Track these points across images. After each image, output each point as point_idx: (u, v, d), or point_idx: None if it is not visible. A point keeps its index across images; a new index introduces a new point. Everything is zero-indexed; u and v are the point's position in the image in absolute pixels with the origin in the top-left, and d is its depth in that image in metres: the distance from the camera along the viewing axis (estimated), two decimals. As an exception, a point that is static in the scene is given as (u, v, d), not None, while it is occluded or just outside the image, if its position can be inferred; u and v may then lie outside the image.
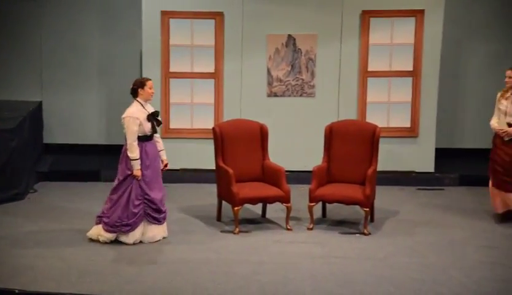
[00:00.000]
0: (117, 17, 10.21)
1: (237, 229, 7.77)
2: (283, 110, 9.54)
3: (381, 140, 8.03)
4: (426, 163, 9.57)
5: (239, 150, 8.03)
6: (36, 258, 6.99)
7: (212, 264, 6.95)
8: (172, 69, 9.53)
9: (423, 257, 7.15)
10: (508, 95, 7.79)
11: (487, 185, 9.47)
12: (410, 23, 9.37)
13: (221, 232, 7.83)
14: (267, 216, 8.23)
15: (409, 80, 9.46)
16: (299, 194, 8.44)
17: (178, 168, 9.64)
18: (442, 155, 9.71)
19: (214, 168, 8.12)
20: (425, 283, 6.56)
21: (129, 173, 7.29)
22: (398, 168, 9.57)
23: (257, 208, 8.24)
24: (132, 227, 7.31)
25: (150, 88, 7.31)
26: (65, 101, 10.36)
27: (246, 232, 7.81)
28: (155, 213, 7.37)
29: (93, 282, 6.49)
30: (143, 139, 7.29)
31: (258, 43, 9.46)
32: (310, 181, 7.94)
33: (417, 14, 9.34)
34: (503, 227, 7.94)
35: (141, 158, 7.27)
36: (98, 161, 9.99)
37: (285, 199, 7.82)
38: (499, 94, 7.93)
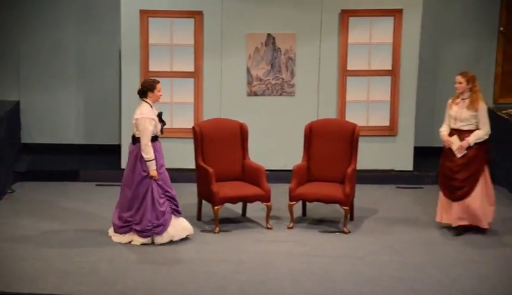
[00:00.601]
0: (96, 16, 10.14)
1: (217, 228, 7.76)
2: (263, 109, 9.54)
3: (360, 139, 8.07)
4: (405, 162, 9.62)
5: (219, 149, 8.02)
6: (14, 259, 6.93)
7: (192, 264, 6.94)
8: (151, 68, 9.48)
9: (402, 255, 7.20)
10: (458, 101, 7.60)
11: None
12: (388, 23, 9.42)
13: (202, 231, 7.82)
14: (248, 215, 8.24)
15: (388, 79, 9.51)
16: (279, 193, 8.45)
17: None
18: (421, 153, 9.76)
19: (194, 167, 8.11)
20: (404, 281, 6.61)
21: (145, 174, 7.25)
22: (377, 166, 9.61)
23: (237, 207, 8.24)
24: (164, 226, 7.31)
25: (159, 91, 7.34)
26: (43, 100, 10.26)
27: (226, 231, 7.81)
28: (176, 207, 7.42)
29: (71, 282, 6.45)
30: (154, 139, 7.31)
31: (238, 42, 9.45)
32: (290, 180, 7.95)
33: (396, 13, 9.39)
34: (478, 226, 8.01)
35: (155, 158, 7.28)
36: (77, 161, 9.92)
37: (265, 198, 7.83)
38: (450, 101, 7.69)
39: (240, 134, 8.12)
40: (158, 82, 7.39)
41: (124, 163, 9.57)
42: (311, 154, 8.12)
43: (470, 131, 7.51)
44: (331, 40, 9.45)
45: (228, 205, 8.02)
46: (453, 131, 7.59)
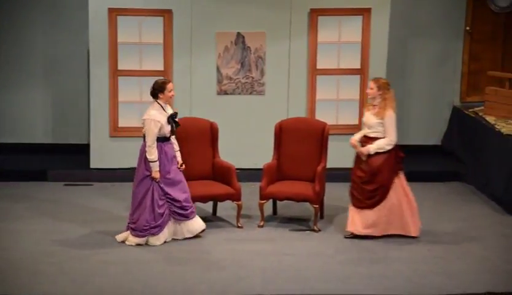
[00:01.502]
0: (63, 14, 10.03)
1: (187, 227, 7.75)
2: (233, 108, 9.54)
3: (330, 137, 8.12)
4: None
5: (189, 148, 8.00)
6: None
7: (162, 263, 6.92)
8: (120, 67, 9.43)
9: (372, 252, 7.26)
10: (370, 107, 7.46)
11: (434, 181, 9.69)
12: (357, 22, 9.49)
13: (172, 230, 7.79)
14: (218, 214, 8.23)
15: (357, 78, 9.58)
16: (250, 192, 8.46)
17: (128, 166, 9.54)
18: (390, 151, 9.84)
19: (164, 166, 8.08)
20: (373, 278, 6.67)
21: (147, 174, 7.23)
22: (347, 165, 9.63)
23: (208, 206, 8.23)
24: (161, 227, 7.28)
25: (170, 91, 7.30)
26: (10, 99, 10.13)
27: (197, 230, 7.79)
28: (180, 210, 7.34)
29: (42, 283, 6.39)
30: (163, 140, 7.27)
31: (207, 41, 9.44)
32: (261, 179, 7.97)
33: (364, 12, 9.46)
34: (445, 223, 8.11)
35: (161, 159, 7.23)
36: (45, 160, 9.81)
37: (235, 197, 7.83)
38: (365, 108, 7.57)
39: (211, 133, 8.12)
40: (169, 82, 7.37)
41: (92, 163, 9.56)
42: (281, 153, 8.15)
43: (377, 139, 7.35)
44: (300, 39, 9.49)
45: (198, 204, 8.00)
46: (363, 138, 7.43)
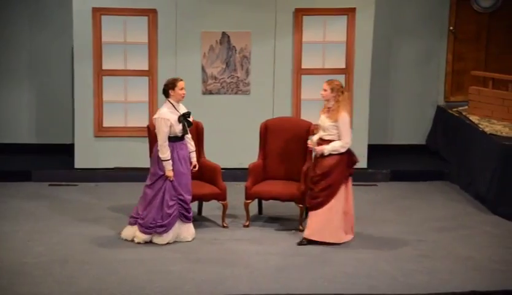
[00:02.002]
0: (48, 13, 9.97)
1: (172, 228, 7.73)
2: (219, 108, 9.53)
3: (315, 137, 8.13)
4: (360, 159, 9.69)
5: (174, 148, 7.98)
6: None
7: (147, 263, 6.90)
8: (104, 67, 9.38)
9: (357, 251, 7.28)
10: (325, 110, 7.36)
11: (418, 180, 9.72)
12: (342, 21, 9.51)
13: (157, 230, 7.77)
14: (204, 213, 8.22)
15: (342, 77, 9.58)
16: (235, 191, 8.46)
17: (112, 166, 9.51)
18: (375, 151, 9.89)
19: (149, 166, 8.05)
20: (359, 278, 6.69)
21: (161, 173, 7.20)
22: (331, 164, 9.67)
23: (193, 206, 8.19)
24: (167, 227, 7.25)
25: (181, 89, 7.26)
26: (-6, 99, 10.07)
27: (182, 230, 7.77)
28: (185, 212, 7.34)
29: (24, 284, 6.34)
30: (174, 140, 7.23)
31: (192, 40, 9.42)
32: (246, 178, 7.97)
33: (349, 12, 9.49)
34: (429, 222, 8.15)
35: (173, 158, 7.20)
36: (29, 161, 9.74)
37: (221, 196, 7.82)
38: (320, 110, 7.46)
39: (196, 132, 8.09)
40: (180, 80, 7.33)
41: (77, 163, 9.50)
42: (267, 152, 8.15)
43: (331, 142, 7.28)
44: (285, 39, 9.50)
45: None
46: (319, 141, 7.38)
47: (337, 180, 7.32)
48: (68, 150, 9.70)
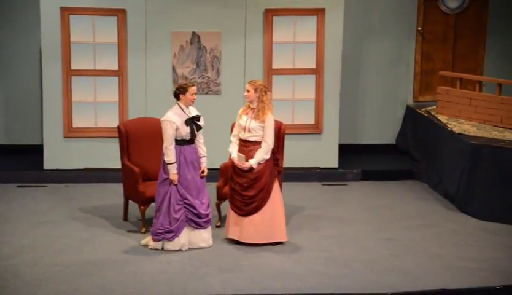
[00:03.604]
0: (14, 13, 9.84)
1: (144, 229, 7.69)
2: (189, 108, 9.48)
3: (286, 137, 8.13)
4: (330, 159, 9.77)
5: (145, 148, 7.94)
6: None
7: (119, 264, 6.85)
8: (73, 67, 9.29)
9: (329, 251, 7.32)
10: (248, 110, 7.27)
11: (388, 179, 9.77)
12: (312, 22, 9.55)
13: (128, 231, 7.72)
14: (175, 214, 8.17)
15: (313, 77, 9.64)
16: (208, 192, 8.42)
17: (82, 167, 9.42)
18: (345, 150, 9.95)
19: (120, 167, 8.00)
20: (330, 277, 6.72)
21: (165, 177, 7.11)
22: (303, 164, 9.73)
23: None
24: (175, 233, 7.14)
25: (192, 95, 7.19)
26: (-41, 99, 9.90)
27: (153, 231, 7.73)
28: (195, 217, 7.20)
29: (-6, 288, 6.26)
30: (182, 143, 7.13)
31: (162, 40, 9.38)
32: (218, 178, 7.95)
33: (319, 13, 9.53)
34: (400, 220, 8.23)
35: (179, 162, 7.10)
36: (-4, 162, 9.62)
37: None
38: (241, 110, 7.36)
39: (167, 133, 8.05)
40: (192, 85, 7.25)
41: (46, 164, 9.39)
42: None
43: (257, 143, 7.21)
44: (256, 39, 9.51)
45: (154, 205, 7.95)
46: (241, 142, 7.29)
47: (268, 181, 7.28)
48: (37, 151, 9.59)
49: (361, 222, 8.18)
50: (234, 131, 7.44)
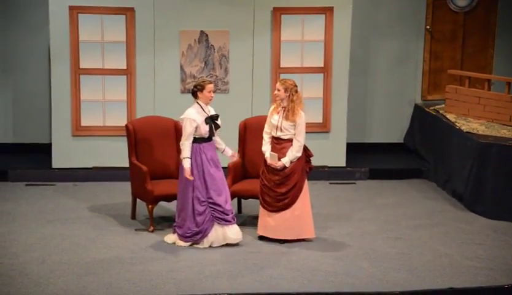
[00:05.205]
0: (23, 11, 9.87)
1: (151, 227, 7.71)
2: (197, 106, 9.49)
3: (294, 136, 8.14)
4: (338, 158, 9.77)
5: (153, 147, 7.97)
6: None
7: (126, 263, 6.87)
8: (82, 66, 9.32)
9: (336, 249, 7.32)
10: (279, 109, 7.31)
11: (396, 178, 9.75)
12: (320, 20, 9.54)
13: (136, 230, 7.75)
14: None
15: (321, 76, 9.64)
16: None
17: (90, 166, 9.45)
18: (353, 149, 9.94)
19: (128, 165, 8.02)
20: (338, 275, 6.72)
21: (184, 179, 7.16)
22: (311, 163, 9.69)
23: (172, 205, 8.18)
24: (203, 233, 7.22)
25: (209, 92, 7.23)
26: (-31, 98, 9.95)
27: (161, 229, 7.75)
28: (222, 215, 7.25)
29: (2, 285, 6.28)
30: (200, 141, 7.19)
31: (171, 39, 9.39)
32: (226, 177, 7.96)
33: (327, 11, 9.52)
34: (407, 219, 8.22)
35: (201, 159, 7.16)
36: (5, 160, 9.65)
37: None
38: (272, 108, 7.41)
39: (175, 131, 8.08)
40: (210, 82, 7.30)
41: (55, 163, 9.43)
42: (246, 151, 8.16)
43: (289, 140, 7.28)
44: (264, 38, 9.51)
45: (162, 203, 7.97)
46: (273, 140, 7.36)
47: (300, 178, 7.36)
48: (46, 149, 9.63)
49: (369, 220, 8.17)
50: (266, 129, 7.47)
